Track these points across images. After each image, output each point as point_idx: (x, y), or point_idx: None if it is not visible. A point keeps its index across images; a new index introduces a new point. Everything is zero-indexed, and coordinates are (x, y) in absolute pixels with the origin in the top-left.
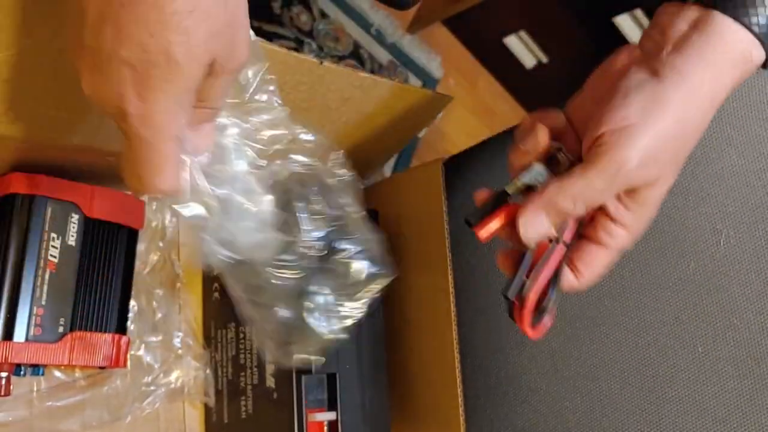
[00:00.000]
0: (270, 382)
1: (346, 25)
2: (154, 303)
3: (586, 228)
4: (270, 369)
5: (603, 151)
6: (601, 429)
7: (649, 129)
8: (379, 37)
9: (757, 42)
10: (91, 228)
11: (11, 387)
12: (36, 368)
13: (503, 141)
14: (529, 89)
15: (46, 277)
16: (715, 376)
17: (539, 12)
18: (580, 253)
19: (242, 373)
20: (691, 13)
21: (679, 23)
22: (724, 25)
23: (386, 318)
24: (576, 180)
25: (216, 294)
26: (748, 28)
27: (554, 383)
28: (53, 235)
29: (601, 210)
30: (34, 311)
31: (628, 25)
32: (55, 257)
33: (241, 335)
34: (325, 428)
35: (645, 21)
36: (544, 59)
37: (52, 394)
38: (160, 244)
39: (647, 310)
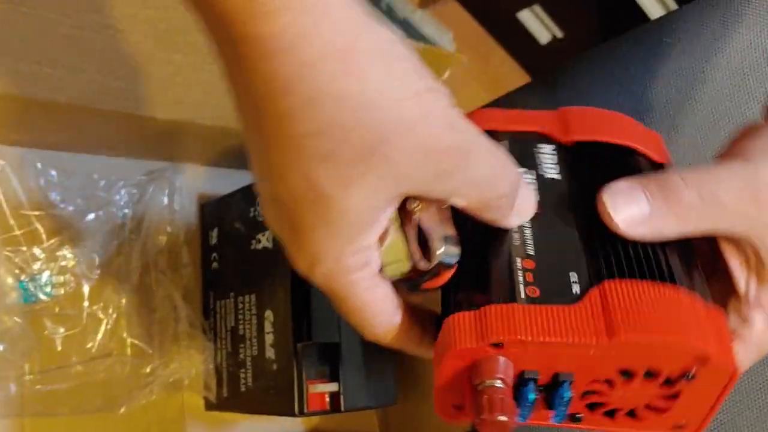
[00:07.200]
0: (270, 352)
1: None
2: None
3: None
4: (269, 339)
5: (736, 154)
6: None
7: None
8: (390, 13)
9: None
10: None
11: None
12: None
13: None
14: (544, 65)
15: None
16: None
17: None
18: None
19: (241, 345)
20: None
21: None
22: None
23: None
24: (702, 171)
25: (215, 264)
26: None
27: None
28: None
29: (732, 294)
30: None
31: None
32: None
33: (240, 305)
34: (327, 400)
35: None
36: (559, 34)
37: (45, 378)
38: (168, 228)
39: None
